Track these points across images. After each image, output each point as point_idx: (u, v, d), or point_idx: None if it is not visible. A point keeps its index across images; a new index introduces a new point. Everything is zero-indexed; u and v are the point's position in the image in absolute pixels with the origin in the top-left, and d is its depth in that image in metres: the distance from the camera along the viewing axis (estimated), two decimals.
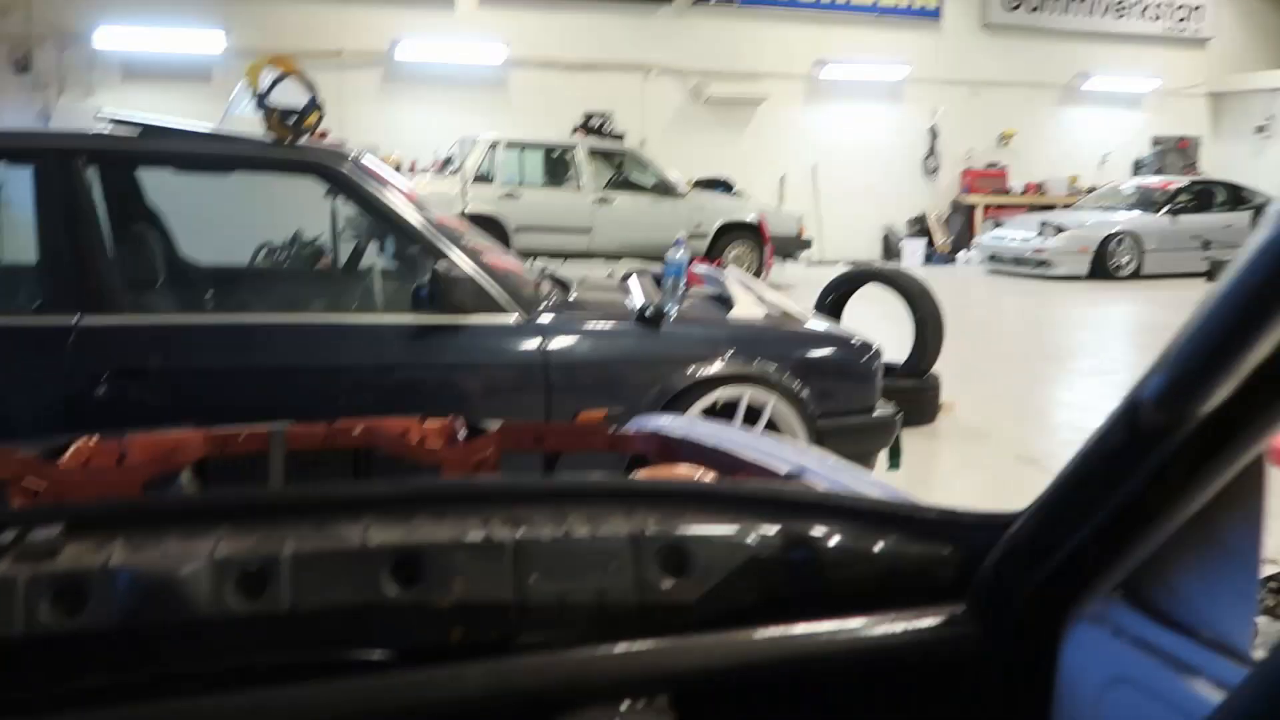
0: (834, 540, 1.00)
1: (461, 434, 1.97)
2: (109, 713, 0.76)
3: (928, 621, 0.94)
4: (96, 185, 3.12)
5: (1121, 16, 17.31)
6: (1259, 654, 0.73)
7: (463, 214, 8.82)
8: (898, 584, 0.98)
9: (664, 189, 11.77)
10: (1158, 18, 17.50)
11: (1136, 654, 0.84)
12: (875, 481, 1.37)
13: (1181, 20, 17.64)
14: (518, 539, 0.92)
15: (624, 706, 0.94)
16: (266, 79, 3.10)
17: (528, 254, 10.45)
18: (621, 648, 0.88)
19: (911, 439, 5.07)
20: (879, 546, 0.99)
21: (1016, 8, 16.68)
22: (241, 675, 0.84)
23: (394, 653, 0.89)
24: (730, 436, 1.80)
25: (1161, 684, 0.82)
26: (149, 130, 3.16)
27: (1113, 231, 13.36)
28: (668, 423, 1.98)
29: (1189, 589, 0.82)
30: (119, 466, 1.67)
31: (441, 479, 1.58)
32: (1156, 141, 17.72)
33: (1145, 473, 0.72)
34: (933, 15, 16.29)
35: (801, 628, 0.91)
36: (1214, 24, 17.71)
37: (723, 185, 13.53)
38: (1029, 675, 0.92)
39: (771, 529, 0.99)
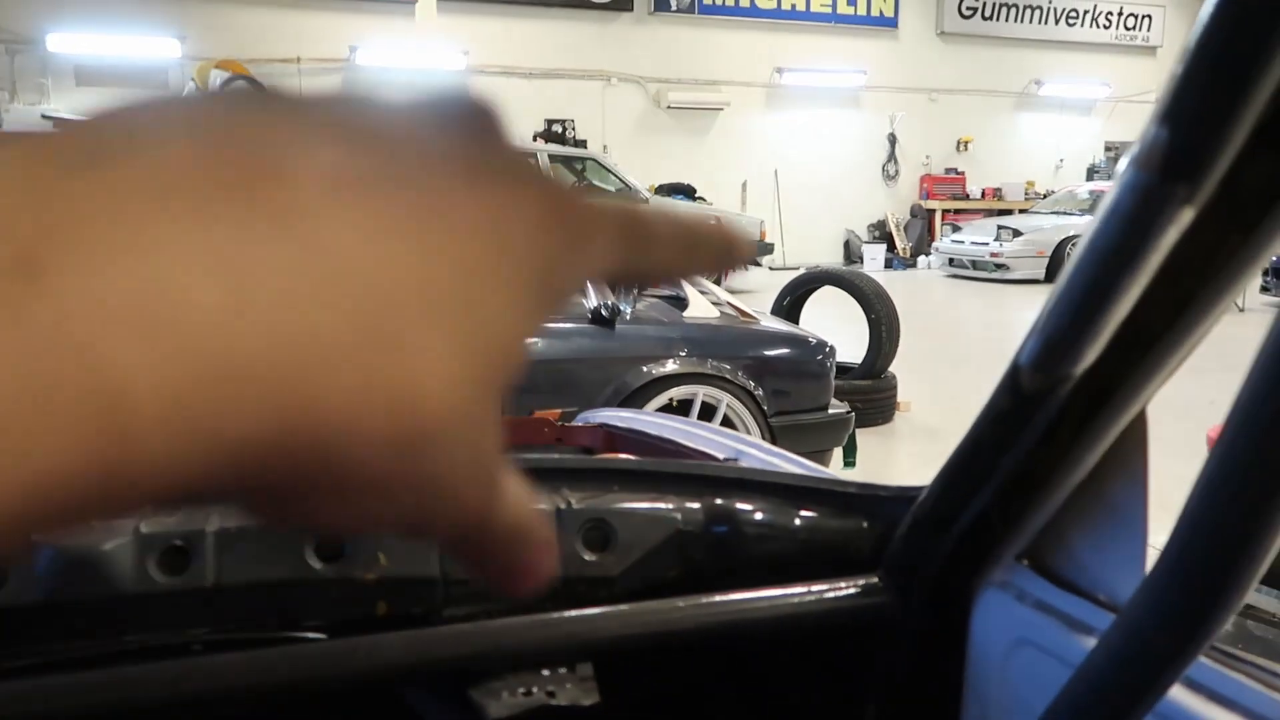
0: (756, 515, 1.03)
1: None
2: (30, 684, 0.77)
3: (843, 591, 0.97)
4: None
5: (1073, 25, 17.64)
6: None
7: None
8: (817, 556, 1.01)
9: (627, 195, 11.81)
10: (1108, 26, 17.85)
11: (1038, 617, 0.88)
12: (805, 464, 1.40)
13: (1131, 29, 18.00)
14: None
15: (546, 674, 0.96)
16: (215, 80, 3.09)
17: None
18: (542, 618, 0.90)
19: (868, 437, 5.14)
20: (799, 520, 1.02)
21: (971, 16, 16.93)
22: (166, 651, 0.85)
23: (320, 627, 0.90)
24: (673, 426, 1.83)
25: (1061, 644, 0.85)
26: None
27: (1069, 235, 13.59)
28: (613, 415, 2.01)
29: (1084, 552, 0.86)
30: None
31: None
32: (1109, 147, 18.06)
33: (1032, 437, 0.76)
34: (890, 24, 16.49)
35: (720, 598, 0.94)
36: (1162, 33, 18.09)
37: (685, 191, 13.60)
38: (941, 641, 0.95)
39: (694, 504, 1.02)
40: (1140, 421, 0.76)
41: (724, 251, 0.27)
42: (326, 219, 0.18)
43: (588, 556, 0.96)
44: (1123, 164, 0.53)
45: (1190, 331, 0.63)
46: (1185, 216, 0.53)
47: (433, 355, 0.19)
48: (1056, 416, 0.73)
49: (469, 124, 0.24)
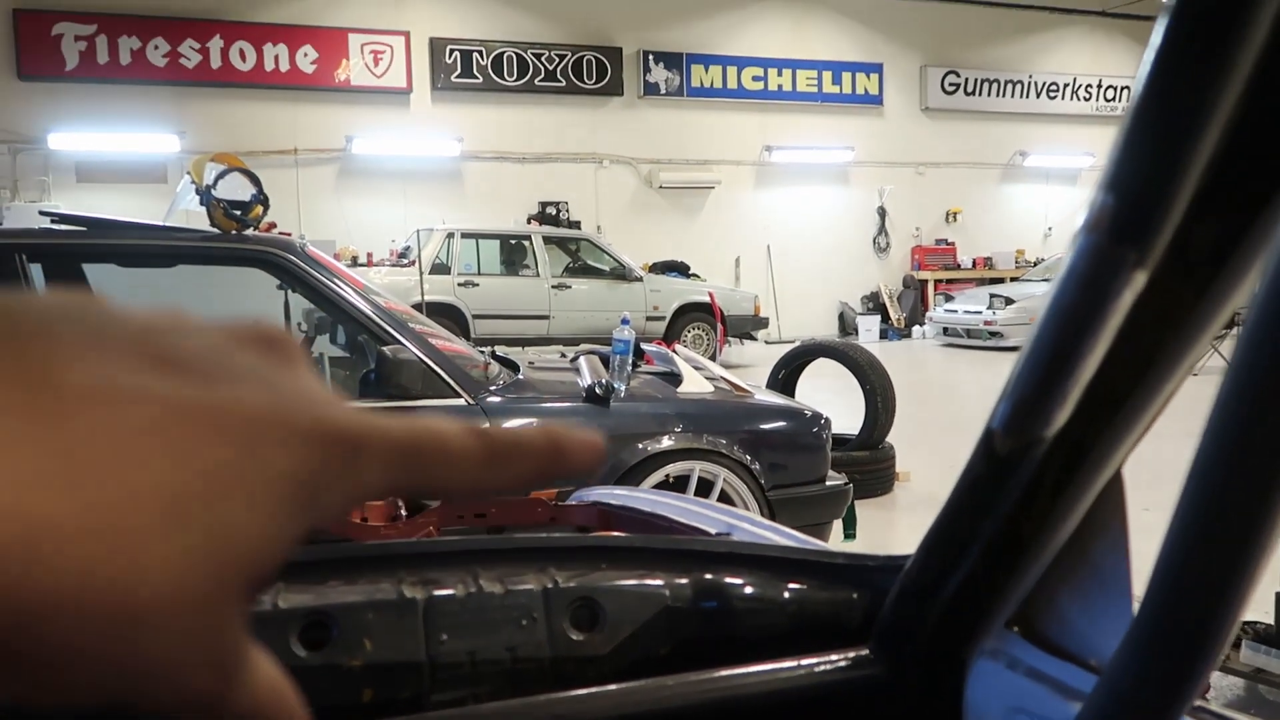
0: (745, 589, 1.02)
1: (403, 511, 1.98)
2: None
3: (835, 664, 0.96)
4: (39, 281, 3.13)
5: (1054, 98, 18.05)
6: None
7: (420, 303, 8.87)
8: (807, 629, 1.00)
9: (621, 273, 11.93)
10: (1088, 98, 18.26)
11: (1031, 685, 0.87)
12: (797, 536, 1.39)
13: (1110, 100, 18.41)
14: (428, 598, 0.93)
15: None
16: (210, 174, 3.15)
17: (486, 341, 10.51)
18: (531, 701, 0.89)
19: (868, 509, 5.11)
20: (788, 593, 1.02)
21: (954, 92, 17.32)
22: None
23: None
24: (666, 503, 1.83)
25: (1055, 711, 0.84)
26: (92, 225, 3.19)
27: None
28: (607, 494, 2.01)
29: (1073, 617, 0.86)
30: None
31: (355, 542, 1.59)
32: None
33: (1010, 501, 0.76)
34: (875, 101, 16.86)
35: (710, 674, 0.93)
36: None
37: (679, 268, 13.74)
38: (935, 714, 0.94)
39: (683, 580, 1.01)
40: (1117, 483, 0.76)
41: (549, 463, 0.28)
42: (83, 420, 0.20)
43: (575, 636, 0.95)
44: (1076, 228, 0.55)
45: (1156, 392, 0.64)
46: (1138, 279, 0.55)
47: (162, 548, 0.21)
48: (1033, 480, 0.73)
49: (258, 344, 0.25)
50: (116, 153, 12.93)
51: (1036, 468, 0.72)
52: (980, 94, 17.51)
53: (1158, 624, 0.56)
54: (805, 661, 0.95)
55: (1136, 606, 0.76)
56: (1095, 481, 0.73)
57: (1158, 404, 0.65)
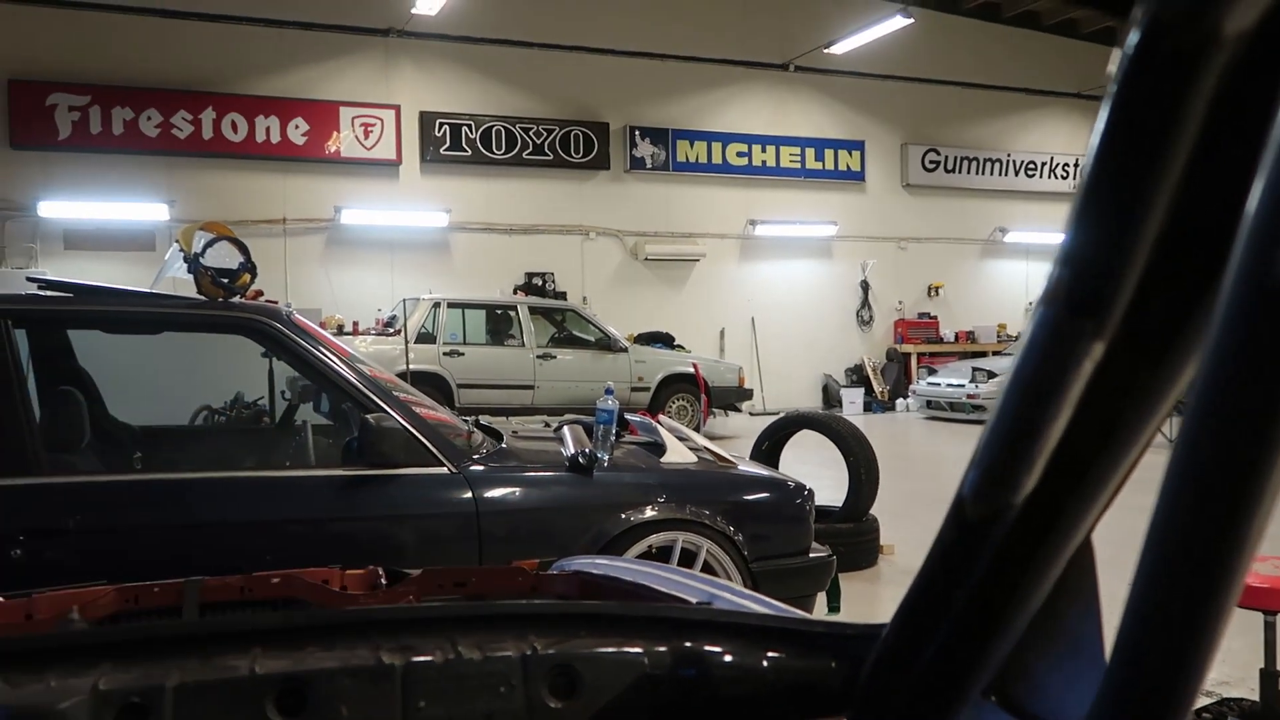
0: (724, 657, 1.02)
1: (383, 581, 1.96)
2: None
3: None
4: (23, 347, 3.12)
5: (1032, 176, 18.44)
6: None
7: (405, 372, 8.87)
8: (785, 697, 1.00)
9: (606, 344, 11.98)
10: (1066, 176, 18.66)
11: None
12: (776, 605, 1.39)
13: None
14: (407, 664, 0.93)
15: None
16: (199, 242, 3.18)
17: (470, 411, 10.48)
18: None
19: (852, 582, 5.08)
20: (766, 661, 1.02)
21: (934, 169, 17.68)
22: None
23: None
24: (649, 572, 1.82)
25: None
26: (79, 292, 3.20)
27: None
28: (588, 563, 2.00)
29: (1047, 684, 0.86)
30: (26, 623, 1.64)
31: (333, 609, 1.57)
32: None
33: (982, 568, 0.77)
34: (857, 177, 17.18)
35: None
36: None
37: (664, 339, 13.81)
38: None
39: (661, 648, 1.01)
40: (1087, 548, 0.77)
41: None
42: None
43: (553, 704, 0.95)
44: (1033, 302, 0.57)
45: (1119, 459, 0.66)
46: (1096, 349, 0.57)
47: None
48: (1003, 546, 0.75)
49: None
50: (105, 220, 12.99)
51: (1007, 534, 0.74)
52: (960, 171, 17.87)
53: (1122, 692, 0.57)
54: None
55: None
56: (1065, 548, 0.74)
57: (1123, 470, 0.67)
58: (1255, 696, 2.89)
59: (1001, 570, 0.77)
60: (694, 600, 1.49)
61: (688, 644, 1.02)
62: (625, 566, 1.98)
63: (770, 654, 1.02)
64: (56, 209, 12.77)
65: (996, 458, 0.66)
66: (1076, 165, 18.63)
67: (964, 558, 0.77)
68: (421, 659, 0.95)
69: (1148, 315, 0.55)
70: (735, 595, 1.61)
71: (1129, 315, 0.54)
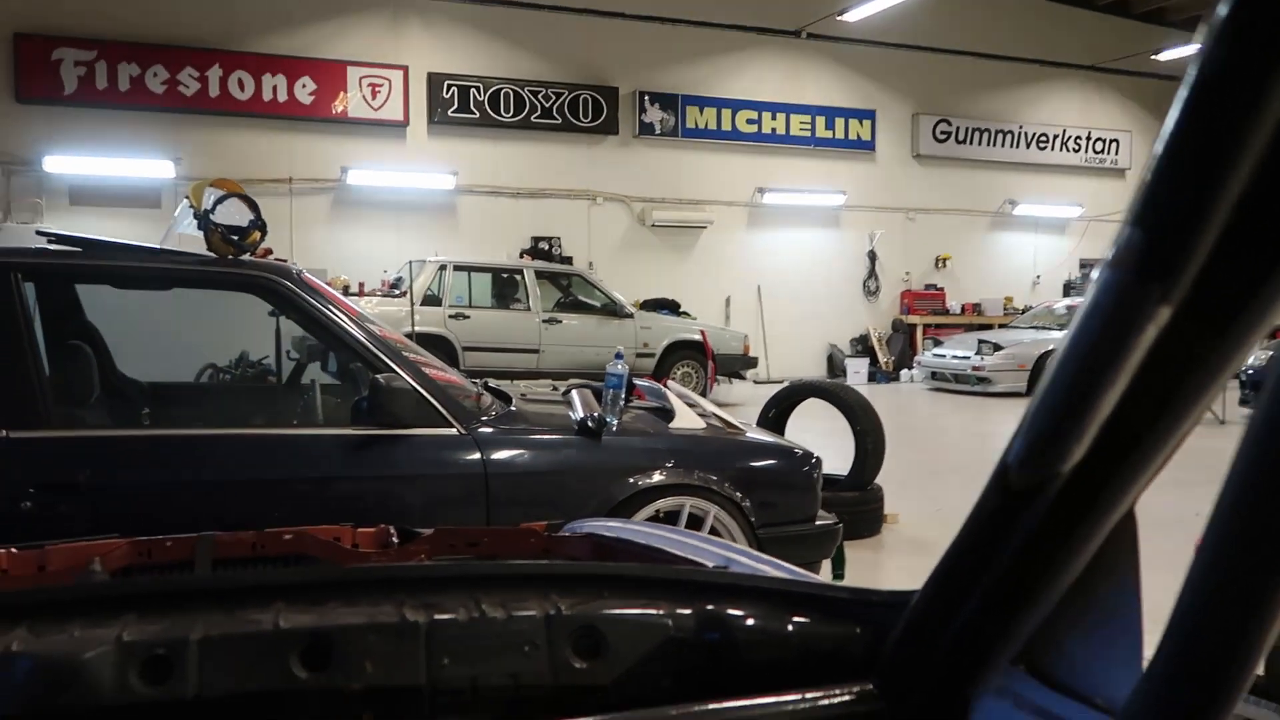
0: (748, 621, 1.02)
1: (394, 540, 1.96)
2: None
3: (838, 699, 0.95)
4: (31, 301, 3.11)
5: (1044, 149, 18.28)
6: None
7: (410, 334, 8.86)
8: (810, 663, 1.00)
9: (612, 310, 11.96)
10: (1078, 150, 18.50)
11: None
12: (794, 570, 1.39)
13: (1100, 152, 18.66)
14: (430, 622, 0.92)
15: None
16: (209, 199, 3.15)
17: (476, 374, 10.48)
18: None
19: (857, 550, 5.09)
20: (791, 627, 1.01)
21: (945, 140, 17.53)
22: None
23: None
24: (662, 535, 1.82)
25: None
26: (88, 246, 3.18)
27: (1048, 349, 13.77)
28: (600, 525, 1.99)
29: (1080, 656, 0.85)
30: (39, 575, 1.64)
31: (355, 565, 1.57)
32: (1084, 264, 18.49)
33: (1022, 537, 0.76)
34: (868, 147, 17.05)
35: (713, 706, 0.92)
36: (1130, 156, 18.76)
37: (669, 306, 13.78)
38: None
39: (686, 611, 1.01)
40: (1129, 521, 0.76)
41: None
42: None
43: (578, 664, 0.95)
44: (1100, 266, 0.55)
45: (1172, 430, 0.65)
46: (1162, 315, 0.55)
47: None
48: (1045, 515, 0.73)
49: None
50: (111, 177, 12.93)
51: (1050, 504, 0.72)
52: (971, 142, 17.72)
53: (1177, 664, 0.56)
54: (809, 695, 0.94)
55: (1146, 645, 0.76)
56: (1108, 519, 0.73)
57: (1173, 442, 0.66)
58: (1260, 670, 2.90)
59: (1042, 540, 0.76)
60: (709, 564, 1.49)
61: (711, 607, 1.02)
62: (637, 529, 1.97)
63: (795, 619, 1.02)
64: (62, 164, 12.71)
65: (1046, 425, 0.64)
66: (1089, 139, 18.49)
67: (1003, 526, 0.76)
68: (445, 617, 0.94)
69: (1218, 283, 0.54)
70: (750, 559, 1.60)
71: (1199, 282, 0.53)
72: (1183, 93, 0.47)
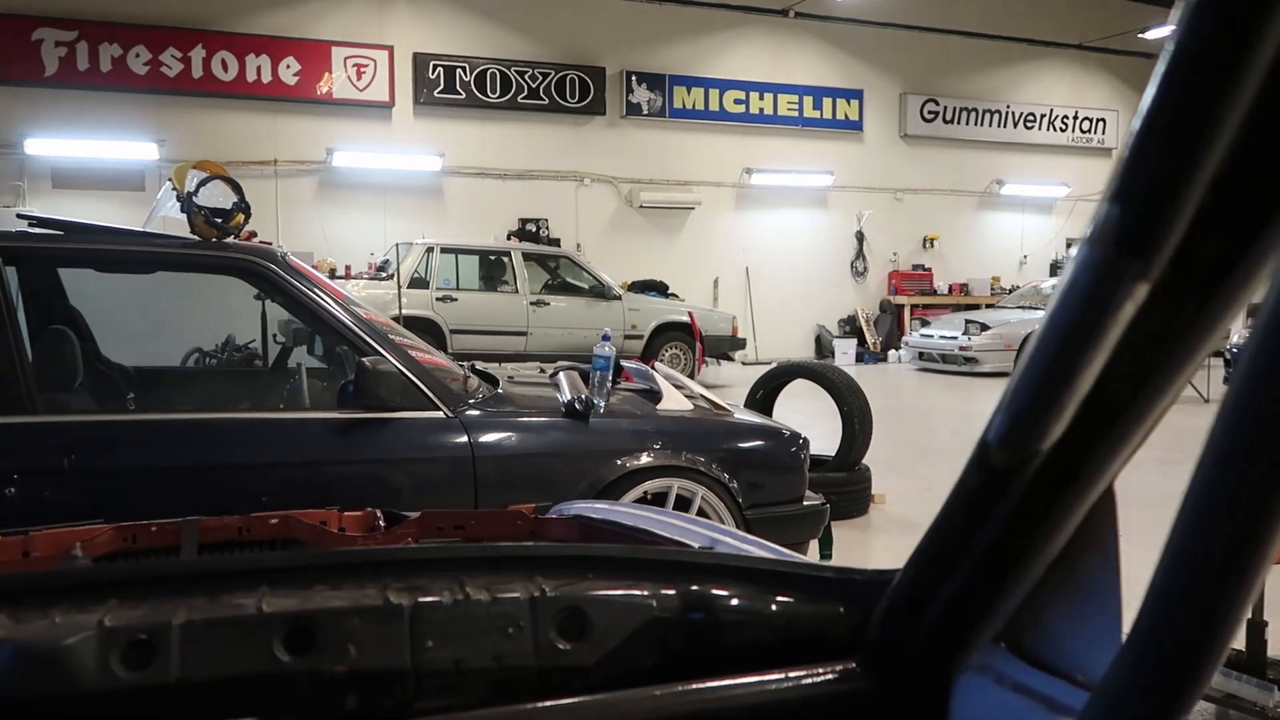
0: (732, 601, 1.02)
1: (381, 523, 1.96)
2: None
3: (821, 678, 0.95)
4: (14, 286, 3.08)
5: (1031, 128, 18.29)
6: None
7: (398, 317, 8.83)
8: (794, 642, 1.00)
9: (599, 291, 11.94)
10: (1065, 129, 18.52)
11: (1018, 699, 0.87)
12: (780, 550, 1.39)
13: (1086, 132, 18.68)
14: (415, 605, 0.92)
15: None
16: (192, 181, 3.13)
17: (463, 356, 10.47)
18: (518, 709, 0.88)
19: (844, 530, 5.12)
20: (775, 606, 1.01)
21: (932, 120, 17.52)
22: None
23: None
24: (649, 517, 1.82)
25: None
26: (70, 230, 3.15)
27: (1035, 329, 13.79)
28: (587, 507, 2.00)
29: (1060, 633, 0.86)
30: (23, 561, 1.63)
31: (339, 548, 1.57)
32: (1071, 244, 18.54)
33: (1002, 515, 0.76)
34: (855, 127, 17.02)
35: (697, 686, 0.92)
36: (1117, 135, 18.79)
37: (657, 288, 13.77)
38: None
39: (670, 591, 1.01)
40: (1109, 498, 0.76)
41: None
42: None
43: (562, 645, 0.95)
44: (1079, 242, 0.55)
45: (1150, 407, 0.65)
46: (1140, 291, 0.55)
47: None
48: (1026, 493, 0.74)
49: None
50: (93, 159, 12.81)
51: (1030, 481, 0.73)
52: (959, 122, 17.71)
53: (1153, 638, 0.56)
54: (792, 674, 0.95)
55: (1126, 623, 0.76)
56: (1088, 496, 0.73)
57: (1152, 419, 0.66)
58: (1242, 646, 2.93)
59: (1022, 517, 0.76)
60: (696, 545, 1.49)
61: (696, 588, 1.02)
62: (624, 511, 1.98)
63: (779, 599, 1.02)
64: (44, 146, 12.59)
65: (1026, 403, 0.64)
66: (1076, 118, 18.50)
67: (985, 504, 0.77)
68: (429, 599, 0.94)
69: (1196, 258, 0.54)
70: (736, 540, 1.61)
71: (1179, 255, 0.53)
72: (1160, 69, 0.47)
